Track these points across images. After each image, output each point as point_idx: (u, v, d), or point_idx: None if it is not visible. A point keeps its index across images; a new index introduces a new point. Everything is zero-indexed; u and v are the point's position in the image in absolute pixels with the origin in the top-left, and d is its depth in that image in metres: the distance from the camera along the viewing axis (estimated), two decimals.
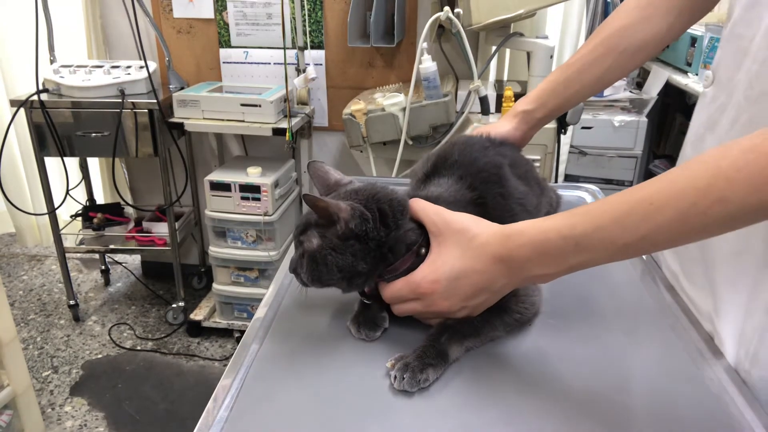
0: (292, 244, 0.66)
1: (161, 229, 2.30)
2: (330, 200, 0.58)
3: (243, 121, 2.01)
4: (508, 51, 2.13)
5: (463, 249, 0.57)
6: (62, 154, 2.06)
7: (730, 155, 0.44)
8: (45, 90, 2.01)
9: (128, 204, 2.45)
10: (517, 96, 1.69)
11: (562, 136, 1.89)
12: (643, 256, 0.82)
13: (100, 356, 2.22)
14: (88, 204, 2.51)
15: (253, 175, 2.02)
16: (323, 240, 0.60)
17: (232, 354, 0.63)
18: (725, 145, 0.45)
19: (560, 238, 0.51)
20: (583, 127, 2.24)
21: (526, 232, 0.54)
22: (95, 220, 2.38)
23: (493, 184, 0.69)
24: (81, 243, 2.37)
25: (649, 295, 0.73)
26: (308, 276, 0.61)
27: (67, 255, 2.31)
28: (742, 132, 0.59)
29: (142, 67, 2.04)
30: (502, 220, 0.59)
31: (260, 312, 0.70)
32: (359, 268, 0.59)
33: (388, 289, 0.61)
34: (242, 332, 1.87)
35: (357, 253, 0.59)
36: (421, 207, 0.62)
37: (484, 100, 1.69)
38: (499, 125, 0.85)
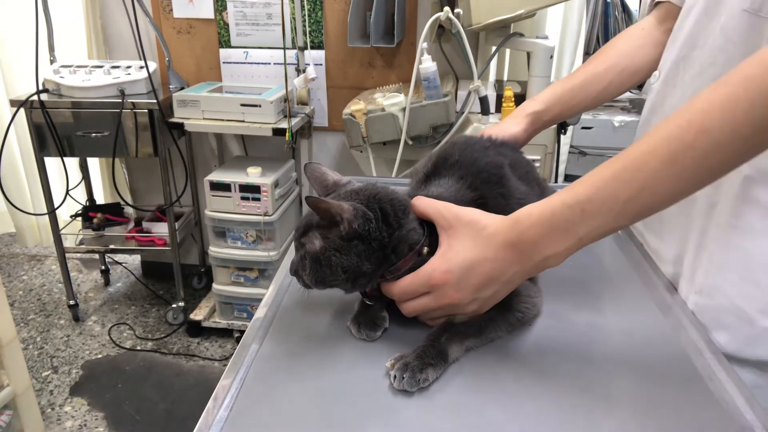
0: (292, 245, 0.66)
1: (161, 229, 2.30)
2: (332, 201, 0.58)
3: (243, 121, 2.01)
4: (508, 51, 2.13)
5: (474, 239, 0.58)
6: (62, 154, 2.06)
7: (702, 96, 0.48)
8: (45, 90, 2.02)
9: (128, 204, 2.46)
10: (517, 96, 1.69)
11: (562, 136, 1.89)
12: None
13: (100, 356, 2.22)
14: (88, 204, 2.51)
15: (253, 175, 2.02)
16: (326, 241, 0.59)
17: (232, 354, 0.63)
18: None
19: (566, 207, 0.53)
20: (583, 127, 2.24)
21: (532, 212, 0.55)
22: (95, 220, 2.38)
23: (494, 184, 0.69)
24: (81, 243, 2.38)
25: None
26: (311, 278, 0.61)
27: (67, 255, 2.31)
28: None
29: (142, 67, 2.04)
30: None
31: (260, 312, 0.70)
32: (363, 268, 0.59)
33: (397, 286, 0.61)
34: (242, 332, 1.87)
35: (361, 254, 0.59)
36: (429, 203, 0.62)
37: (484, 100, 1.69)
38: (508, 126, 0.86)
